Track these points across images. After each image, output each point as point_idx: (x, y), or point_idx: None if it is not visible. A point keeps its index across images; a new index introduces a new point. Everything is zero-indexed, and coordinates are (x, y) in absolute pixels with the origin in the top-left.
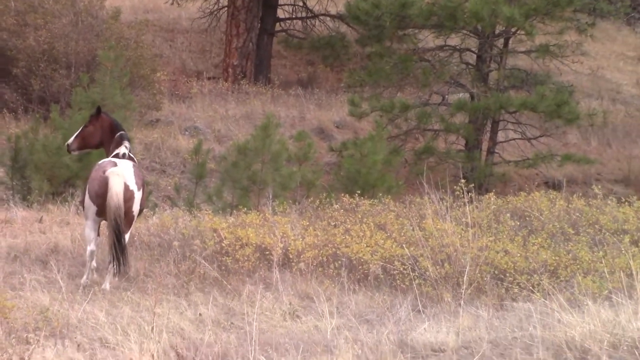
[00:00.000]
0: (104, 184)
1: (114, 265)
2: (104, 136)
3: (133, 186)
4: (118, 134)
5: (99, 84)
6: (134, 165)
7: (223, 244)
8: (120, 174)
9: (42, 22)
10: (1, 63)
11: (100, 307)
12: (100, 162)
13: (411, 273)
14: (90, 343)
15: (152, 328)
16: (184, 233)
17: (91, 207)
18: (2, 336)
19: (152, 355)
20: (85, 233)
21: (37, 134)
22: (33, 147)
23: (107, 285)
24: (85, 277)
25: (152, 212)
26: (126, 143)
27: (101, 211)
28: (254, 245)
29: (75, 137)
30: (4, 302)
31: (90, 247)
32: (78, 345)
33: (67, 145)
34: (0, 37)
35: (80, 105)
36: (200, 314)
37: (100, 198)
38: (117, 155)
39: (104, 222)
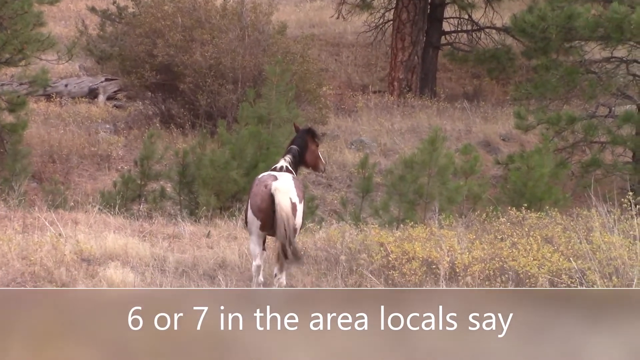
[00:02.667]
0: (267, 199)
1: (284, 268)
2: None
3: (295, 199)
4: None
5: (265, 98)
6: (294, 178)
7: (390, 258)
8: (283, 189)
9: (208, 37)
10: (168, 79)
11: None
12: (259, 177)
13: (579, 286)
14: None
15: None
16: (351, 247)
17: (255, 222)
18: None
19: None
20: (251, 248)
21: (205, 149)
22: (200, 162)
23: None
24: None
25: (318, 227)
26: (287, 156)
27: (265, 225)
28: (421, 259)
29: None
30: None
31: (256, 262)
32: None
33: None
34: (167, 53)
35: (246, 120)
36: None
37: (263, 212)
38: (275, 169)
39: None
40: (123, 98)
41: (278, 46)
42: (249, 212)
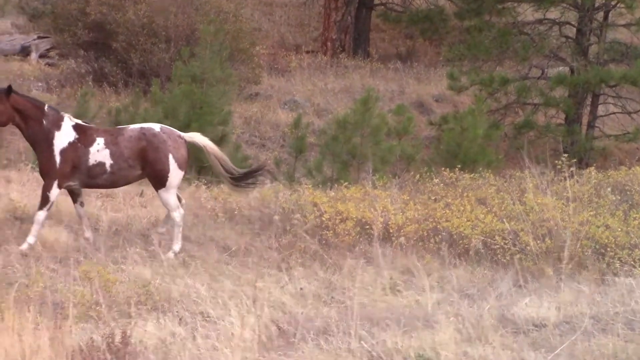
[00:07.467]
0: (187, 148)
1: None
2: (19, 115)
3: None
4: (45, 107)
5: (198, 58)
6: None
7: (323, 218)
8: (195, 134)
9: None
10: (101, 37)
11: (202, 281)
12: (160, 130)
13: (512, 247)
14: (192, 317)
15: (254, 302)
16: (285, 207)
17: (180, 175)
18: (105, 309)
19: (254, 330)
20: (172, 201)
21: (138, 107)
22: (133, 120)
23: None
24: (178, 244)
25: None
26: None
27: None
28: (355, 219)
29: None
30: (107, 276)
31: (182, 210)
32: (180, 319)
33: None
34: (100, 12)
35: (180, 79)
36: (301, 288)
37: (187, 162)
38: (91, 129)
39: None
40: (55, 56)
41: (211, 5)
42: (174, 166)
